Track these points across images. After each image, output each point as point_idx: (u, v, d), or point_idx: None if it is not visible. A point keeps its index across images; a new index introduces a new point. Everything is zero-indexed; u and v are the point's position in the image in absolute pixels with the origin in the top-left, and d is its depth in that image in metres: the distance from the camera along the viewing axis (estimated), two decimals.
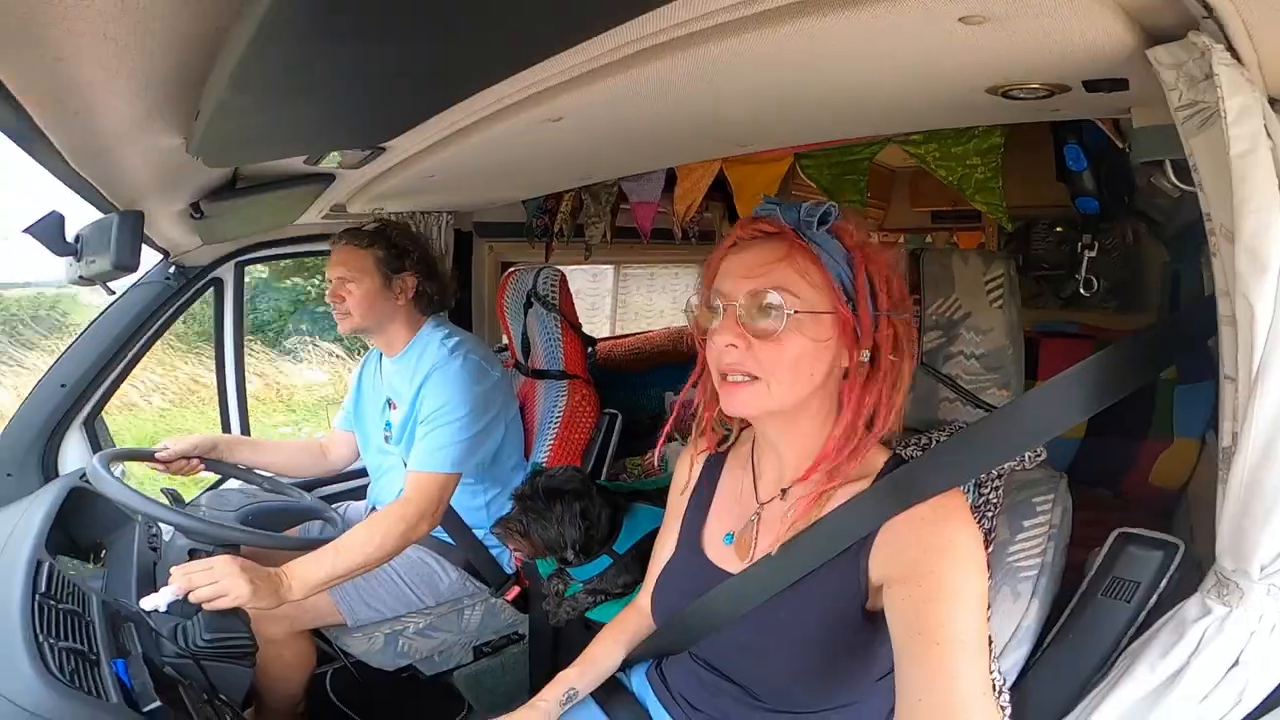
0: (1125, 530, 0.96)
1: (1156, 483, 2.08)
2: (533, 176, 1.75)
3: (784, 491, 0.89)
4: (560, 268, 2.06)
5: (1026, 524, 1.00)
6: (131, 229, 1.08)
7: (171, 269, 1.82)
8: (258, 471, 1.68)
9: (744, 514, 0.92)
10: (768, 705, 0.88)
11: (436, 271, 1.69)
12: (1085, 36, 0.65)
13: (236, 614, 1.17)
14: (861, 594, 0.80)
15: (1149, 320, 2.57)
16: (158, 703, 0.88)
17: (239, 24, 0.49)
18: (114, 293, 1.19)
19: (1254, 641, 0.69)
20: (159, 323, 1.84)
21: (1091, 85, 0.79)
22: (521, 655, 1.84)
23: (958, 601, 0.72)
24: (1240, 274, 0.60)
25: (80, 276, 1.16)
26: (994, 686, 0.95)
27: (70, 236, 1.14)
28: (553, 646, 1.69)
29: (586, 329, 2.09)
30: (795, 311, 0.77)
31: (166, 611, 1.12)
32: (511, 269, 2.19)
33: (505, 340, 2.21)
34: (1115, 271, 2.73)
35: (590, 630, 1.49)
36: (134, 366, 1.84)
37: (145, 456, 1.58)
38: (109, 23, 0.54)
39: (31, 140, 0.79)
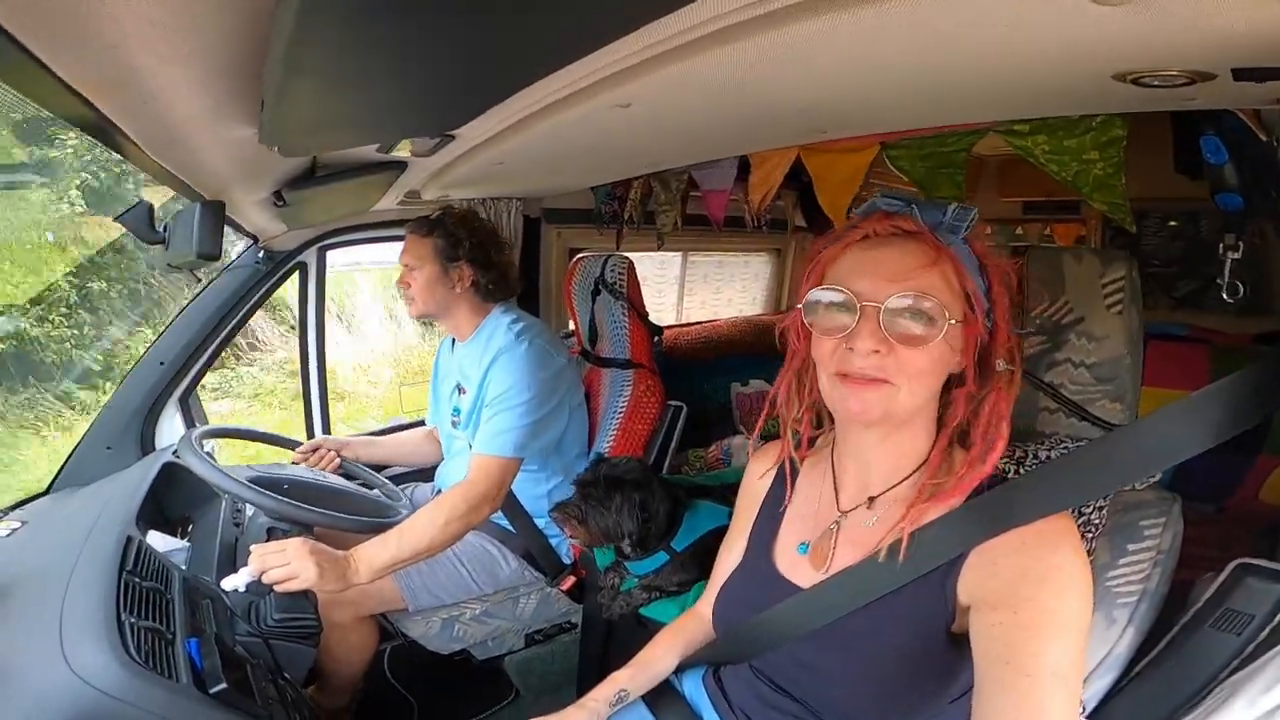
0: (1245, 561, 0.88)
1: (1267, 500, 1.92)
2: (601, 164, 1.73)
3: (871, 500, 0.84)
4: (628, 255, 2.03)
5: (1131, 548, 0.92)
6: (213, 218, 1.12)
7: (260, 253, 1.92)
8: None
9: (822, 523, 0.88)
10: None
11: (492, 261, 1.70)
12: (1245, 18, 0.56)
13: (305, 595, 1.20)
14: (948, 616, 0.75)
15: (1272, 325, 2.32)
16: (224, 684, 0.91)
17: (283, 6, 0.48)
18: (200, 280, 1.25)
19: None
20: (250, 304, 1.94)
21: (1241, 73, 0.69)
22: (572, 644, 1.85)
23: (1056, 632, 0.67)
24: None
25: (169, 265, 1.23)
26: None
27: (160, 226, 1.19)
28: (604, 637, 1.69)
29: (651, 316, 2.06)
30: (953, 321, 0.72)
31: (244, 591, 1.17)
32: (580, 256, 2.18)
33: (571, 326, 2.21)
34: (1235, 272, 2.47)
35: (643, 625, 1.48)
36: (227, 345, 1.95)
37: (235, 435, 1.69)
38: (152, 7, 0.54)
39: (106, 131, 0.82)
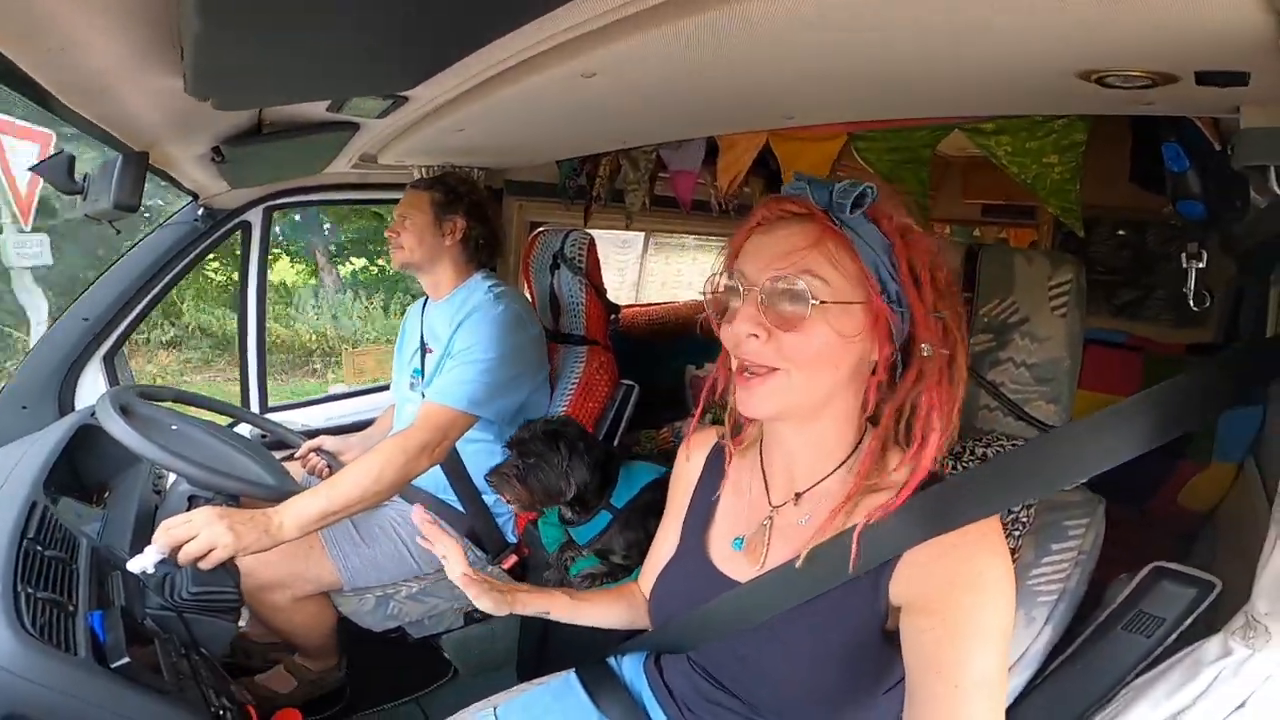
0: (1161, 565, 0.90)
1: (1185, 504, 2.00)
2: (567, 137, 1.69)
3: (797, 496, 0.83)
4: (590, 232, 2.01)
5: (1055, 547, 0.94)
6: (135, 170, 1.06)
7: (200, 211, 1.83)
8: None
9: (755, 518, 0.86)
10: (765, 718, 0.84)
11: (487, 217, 1.75)
12: (1207, 20, 0.57)
13: (224, 567, 1.14)
14: (881, 616, 0.75)
15: (1205, 337, 2.43)
16: (126, 659, 0.87)
17: None
18: (119, 232, 1.18)
19: (1266, 687, 0.67)
20: (184, 262, 1.85)
21: (1204, 77, 0.70)
22: (513, 624, 1.82)
23: (981, 640, 0.67)
24: None
25: (85, 215, 1.15)
26: None
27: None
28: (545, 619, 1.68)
29: (610, 296, 2.04)
30: (822, 301, 0.70)
31: (154, 572, 1.09)
32: (541, 229, 2.14)
33: (529, 300, 2.18)
34: (1174, 283, 2.57)
35: None
36: (157, 304, 1.86)
37: (164, 396, 1.57)
38: None
39: (22, 82, 0.76)
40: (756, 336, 0.72)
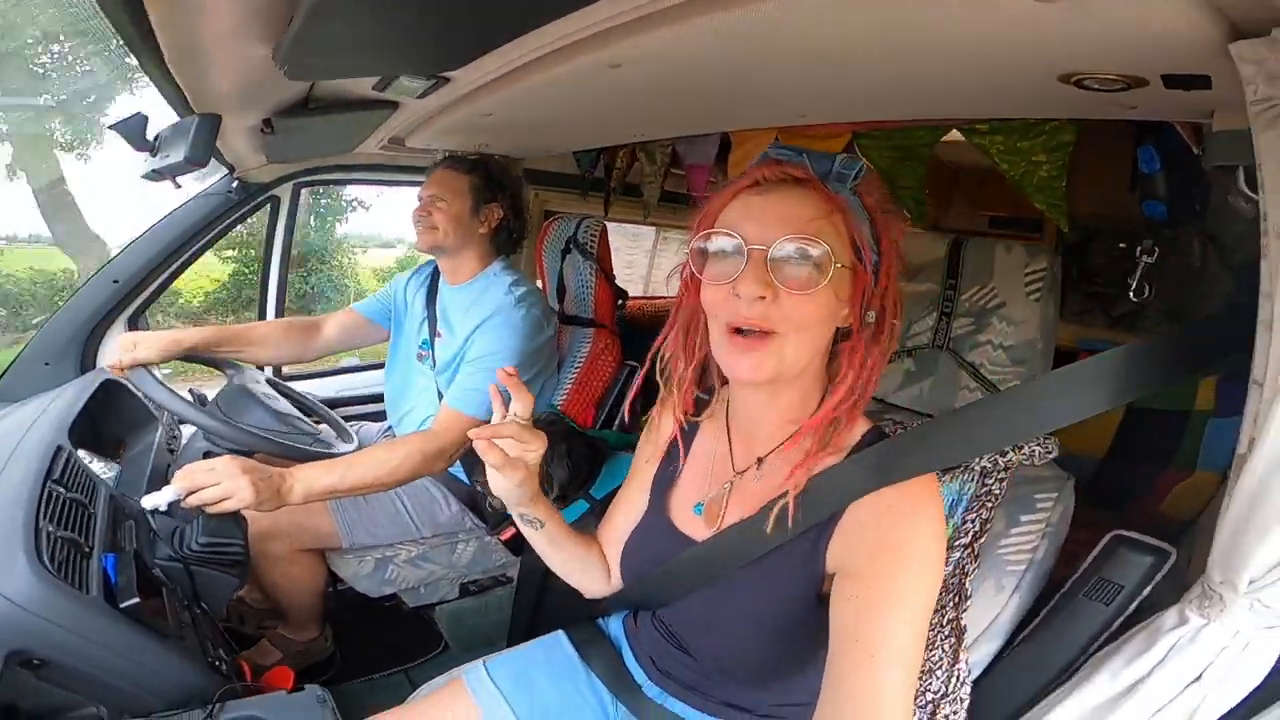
0: (1120, 533, 0.95)
1: (1167, 512, 2.02)
2: (589, 125, 1.75)
3: (760, 461, 0.84)
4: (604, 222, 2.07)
5: (1024, 519, 0.99)
6: (209, 129, 1.14)
7: (234, 184, 1.90)
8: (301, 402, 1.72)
9: (716, 483, 0.88)
10: (713, 678, 0.88)
11: (522, 211, 1.75)
12: (1166, 24, 0.63)
13: (235, 522, 1.15)
14: (818, 579, 0.77)
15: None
16: (135, 600, 0.89)
17: None
18: (180, 187, 1.25)
19: (1222, 658, 0.69)
20: (214, 232, 1.92)
21: (1171, 80, 0.75)
22: (506, 598, 1.83)
23: (901, 609, 0.69)
24: None
25: (153, 170, 1.23)
26: (959, 677, 0.95)
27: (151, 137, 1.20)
28: (538, 594, 1.69)
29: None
30: (840, 266, 0.71)
31: (166, 512, 1.09)
32: (554, 216, 2.20)
33: (540, 284, 2.25)
34: (1174, 295, 2.61)
35: None
36: (184, 270, 1.93)
37: (183, 357, 1.60)
38: None
39: (138, 40, 0.83)
40: (763, 298, 0.71)
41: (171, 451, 1.46)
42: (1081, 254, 2.69)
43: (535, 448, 0.86)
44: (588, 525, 1.46)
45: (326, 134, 1.54)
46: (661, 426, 0.97)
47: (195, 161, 1.11)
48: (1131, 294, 1.09)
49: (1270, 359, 0.61)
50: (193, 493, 1.11)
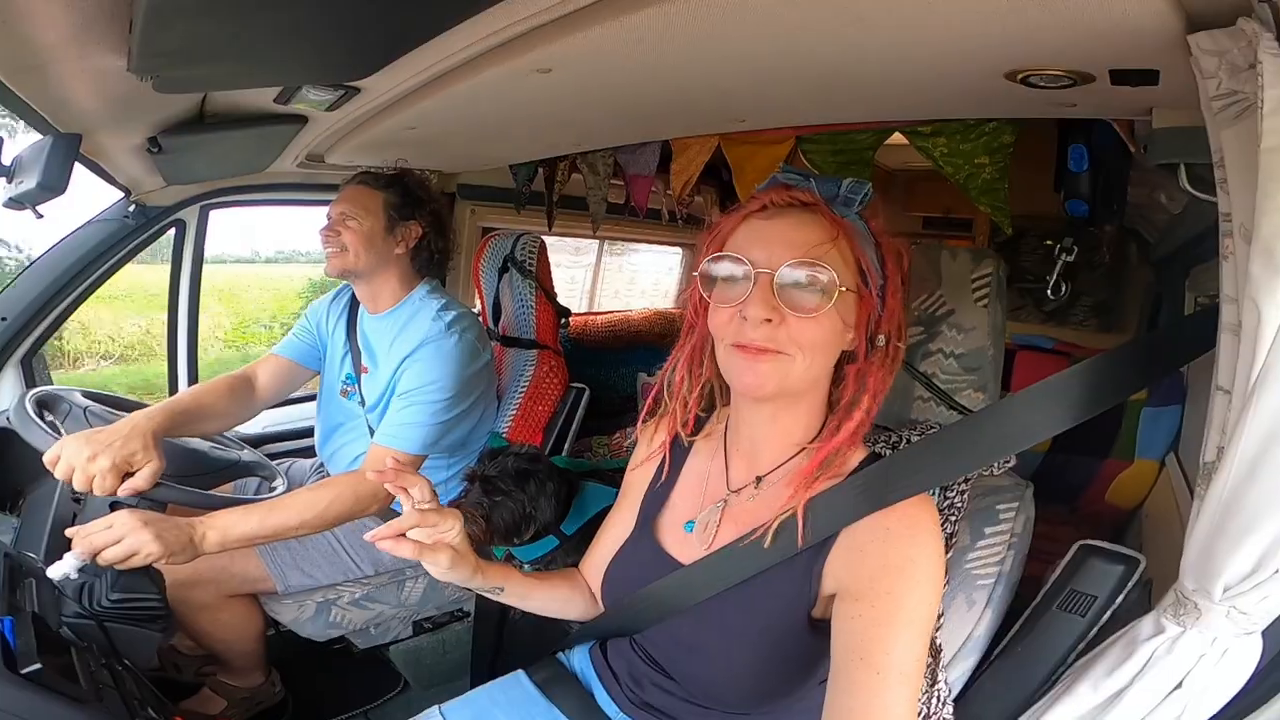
0: (1087, 542, 0.94)
1: (1112, 501, 2.09)
2: (521, 138, 1.69)
3: (759, 479, 0.84)
4: (541, 236, 2.01)
5: (988, 531, 0.98)
6: (65, 151, 1.02)
7: (131, 207, 1.74)
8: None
9: (709, 502, 0.88)
10: (699, 703, 0.86)
11: (445, 228, 1.62)
12: (1119, 16, 0.61)
13: (148, 575, 1.10)
14: (810, 601, 0.77)
15: (1124, 342, 2.57)
16: (37, 665, 0.83)
17: None
18: (41, 216, 1.11)
19: (1201, 665, 0.68)
20: (111, 262, 1.76)
21: (1119, 76, 0.75)
22: (465, 633, 1.76)
23: (906, 627, 0.69)
24: (1253, 276, 0.57)
25: (10, 199, 1.09)
26: (939, 697, 0.93)
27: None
28: (498, 626, 1.63)
29: (564, 303, 2.04)
30: (845, 290, 0.73)
31: (76, 577, 1.05)
32: (492, 232, 2.13)
33: (478, 305, 2.16)
34: (1099, 289, 2.74)
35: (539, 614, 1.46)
36: (80, 304, 1.76)
37: (97, 399, 1.49)
38: None
39: None
40: (770, 321, 0.72)
41: (77, 501, 1.32)
42: (1013, 252, 2.78)
43: (448, 527, 0.83)
44: (559, 562, 1.42)
45: (229, 151, 1.42)
46: (654, 445, 0.97)
47: (50, 189, 0.98)
48: (1049, 291, 1.10)
49: (1238, 363, 0.60)
50: (94, 553, 1.05)
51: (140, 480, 1.16)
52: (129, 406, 1.50)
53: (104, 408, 1.45)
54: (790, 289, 0.72)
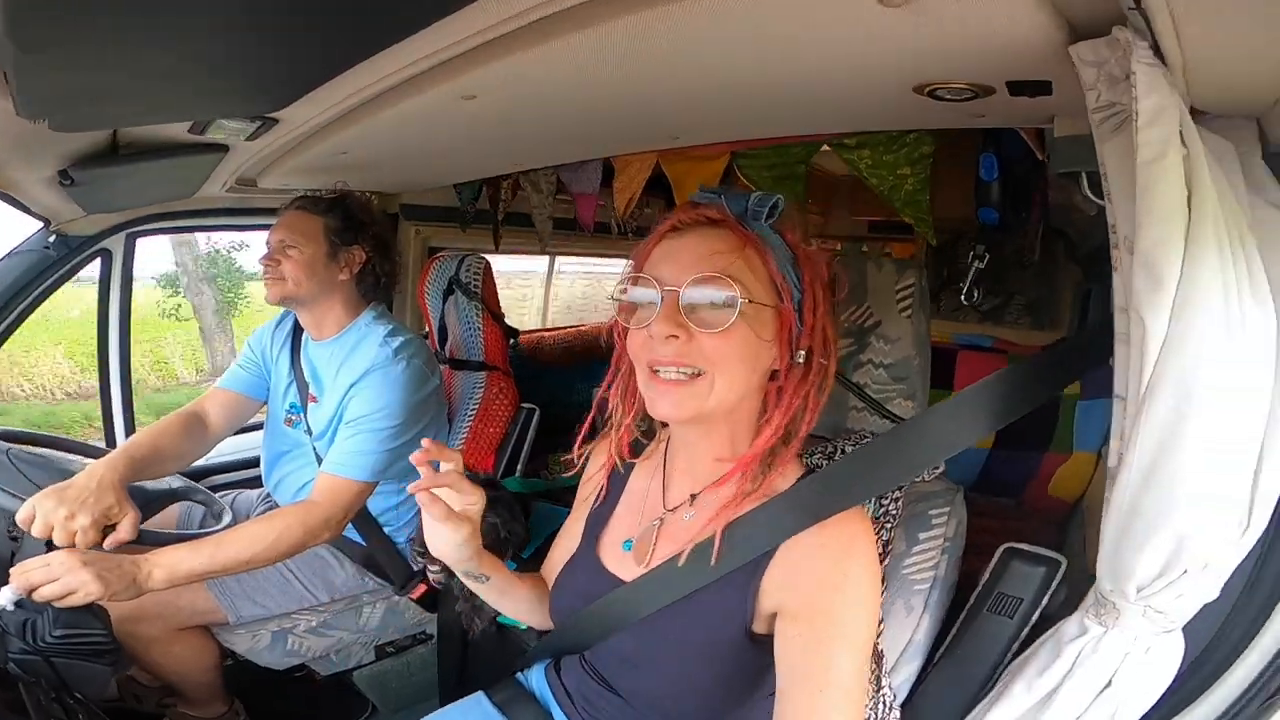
0: (1011, 545, 0.97)
1: (1055, 494, 2.15)
2: (457, 160, 1.67)
3: (693, 498, 0.85)
4: (486, 256, 1.99)
5: (922, 536, 1.00)
6: None
7: (52, 238, 1.66)
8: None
9: (647, 520, 0.88)
10: (648, 718, 0.86)
11: (390, 251, 1.59)
12: (1008, 29, 0.63)
13: (91, 611, 1.07)
14: (747, 617, 0.77)
15: (1059, 337, 2.69)
16: None
17: None
18: None
19: (1127, 664, 0.69)
20: (33, 295, 1.67)
21: (1015, 87, 0.77)
22: (429, 655, 1.73)
23: (847, 645, 0.70)
24: (1135, 289, 0.58)
25: None
26: (885, 703, 0.94)
27: None
28: (462, 647, 1.60)
29: (517, 321, 2.03)
30: (750, 301, 0.72)
31: (14, 611, 1.02)
32: (437, 254, 2.10)
33: (426, 328, 2.13)
34: (1030, 289, 2.84)
35: (503, 634, 1.44)
36: (3, 341, 1.66)
37: (18, 439, 1.41)
38: None
39: None
40: (676, 337, 0.72)
41: (14, 539, 1.26)
42: (951, 256, 2.87)
43: (475, 500, 0.83)
44: None
45: (149, 181, 1.37)
46: (596, 469, 0.98)
47: None
48: (963, 297, 1.14)
49: (1129, 372, 0.62)
50: (31, 589, 1.03)
51: (124, 533, 1.16)
52: (44, 443, 1.44)
53: (25, 449, 1.38)
54: (696, 305, 0.72)
